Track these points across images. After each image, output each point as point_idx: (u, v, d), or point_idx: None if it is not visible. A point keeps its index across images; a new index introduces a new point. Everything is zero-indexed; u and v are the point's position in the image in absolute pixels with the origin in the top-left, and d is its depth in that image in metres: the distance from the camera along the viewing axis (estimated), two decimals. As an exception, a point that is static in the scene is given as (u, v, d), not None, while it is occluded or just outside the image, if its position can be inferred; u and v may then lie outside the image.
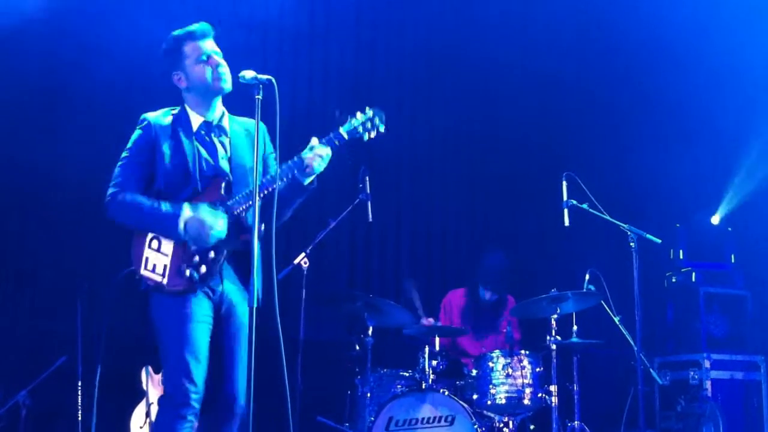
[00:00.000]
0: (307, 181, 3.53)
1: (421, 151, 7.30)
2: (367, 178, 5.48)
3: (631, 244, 5.13)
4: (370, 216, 5.44)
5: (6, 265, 6.29)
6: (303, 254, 5.33)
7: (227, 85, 3.60)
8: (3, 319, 6.07)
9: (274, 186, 3.39)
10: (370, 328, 5.34)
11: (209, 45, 3.62)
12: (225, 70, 3.61)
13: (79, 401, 5.30)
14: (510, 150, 7.31)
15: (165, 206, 3.45)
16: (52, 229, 6.35)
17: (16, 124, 6.31)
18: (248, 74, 3.29)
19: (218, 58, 3.61)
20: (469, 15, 7.04)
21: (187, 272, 3.39)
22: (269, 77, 3.27)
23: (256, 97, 3.26)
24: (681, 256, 6.73)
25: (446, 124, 7.35)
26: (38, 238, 6.36)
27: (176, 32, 3.64)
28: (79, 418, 5.30)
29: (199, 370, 3.35)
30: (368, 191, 5.46)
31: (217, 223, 3.41)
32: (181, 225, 3.40)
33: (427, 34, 7.20)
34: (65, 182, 6.32)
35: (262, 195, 3.40)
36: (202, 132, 3.62)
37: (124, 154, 3.59)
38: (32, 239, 6.35)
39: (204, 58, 3.58)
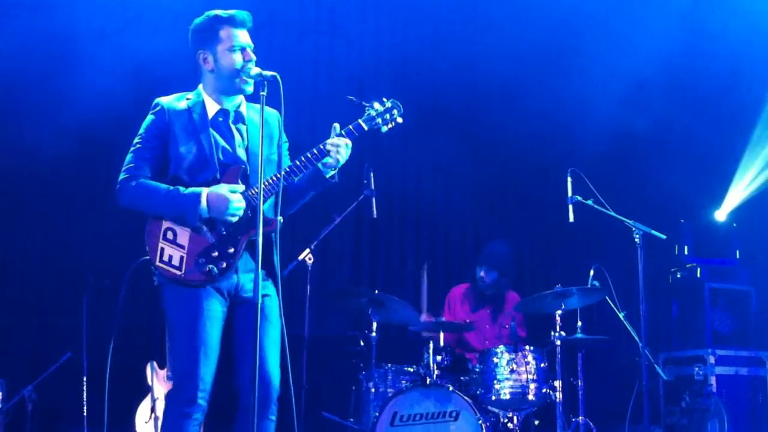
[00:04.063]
0: (330, 173, 3.45)
1: (425, 147, 7.29)
2: (372, 174, 5.48)
3: (636, 239, 5.13)
4: (375, 212, 5.44)
5: (12, 261, 6.31)
6: (308, 250, 5.34)
7: (251, 88, 3.47)
8: (9, 315, 6.09)
9: (293, 178, 3.37)
10: (375, 324, 5.35)
11: (245, 36, 3.48)
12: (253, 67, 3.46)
13: (85, 396, 5.31)
14: (515, 146, 7.30)
15: (183, 189, 3.36)
16: (57, 225, 6.37)
17: (18, 120, 6.33)
18: (253, 70, 3.26)
19: (251, 53, 3.46)
20: (474, 9, 7.02)
21: (207, 268, 3.29)
22: (274, 73, 3.25)
23: (261, 93, 3.24)
24: (686, 252, 6.72)
25: (451, 120, 7.34)
26: (43, 233, 6.38)
27: (215, 12, 3.48)
28: (85, 413, 5.31)
29: (208, 368, 3.28)
30: (373, 187, 5.46)
31: (237, 198, 3.33)
32: (204, 201, 3.30)
33: (432, 28, 7.19)
34: (69, 176, 6.33)
35: (271, 181, 3.37)
36: (220, 119, 3.50)
37: (136, 140, 3.46)
38: (37, 235, 6.37)
39: (237, 48, 3.44)
